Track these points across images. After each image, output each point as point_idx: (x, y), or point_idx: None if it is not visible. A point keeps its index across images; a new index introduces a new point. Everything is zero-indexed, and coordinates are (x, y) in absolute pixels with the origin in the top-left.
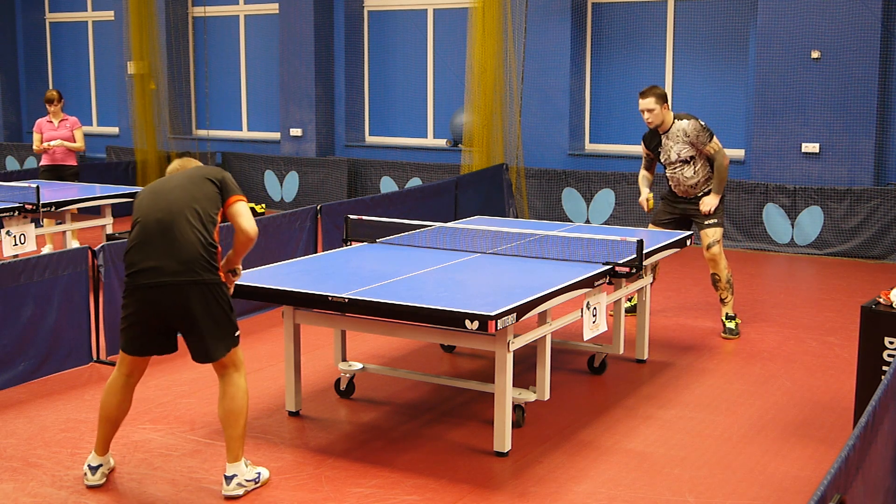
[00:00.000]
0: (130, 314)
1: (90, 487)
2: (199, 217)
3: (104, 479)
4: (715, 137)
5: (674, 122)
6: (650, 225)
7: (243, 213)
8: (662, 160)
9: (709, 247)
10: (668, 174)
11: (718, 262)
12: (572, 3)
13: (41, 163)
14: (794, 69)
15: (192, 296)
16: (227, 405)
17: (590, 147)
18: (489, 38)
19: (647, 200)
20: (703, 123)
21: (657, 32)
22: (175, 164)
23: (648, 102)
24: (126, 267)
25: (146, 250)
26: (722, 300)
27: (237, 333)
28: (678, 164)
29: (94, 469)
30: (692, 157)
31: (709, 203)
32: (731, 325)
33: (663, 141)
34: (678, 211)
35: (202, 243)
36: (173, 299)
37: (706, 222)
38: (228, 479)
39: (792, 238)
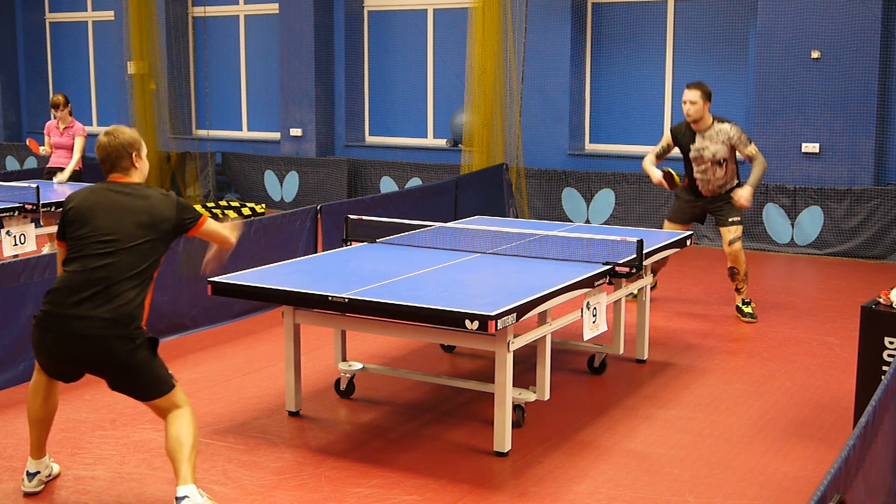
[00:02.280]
0: (41, 347)
1: (26, 494)
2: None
3: (41, 487)
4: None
5: (713, 124)
6: (666, 223)
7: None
8: (692, 157)
9: (731, 242)
10: (696, 174)
11: (739, 257)
12: (572, 3)
13: (47, 164)
14: (794, 69)
15: (119, 352)
16: (179, 437)
17: (590, 147)
18: (489, 38)
19: (664, 177)
20: (740, 128)
21: (657, 32)
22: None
23: (694, 95)
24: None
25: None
26: (738, 290)
27: (169, 377)
28: (711, 165)
29: (31, 476)
30: (725, 160)
31: (746, 197)
32: (748, 309)
33: (698, 139)
34: (698, 209)
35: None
36: (97, 352)
37: (731, 219)
38: (179, 500)
39: (792, 238)
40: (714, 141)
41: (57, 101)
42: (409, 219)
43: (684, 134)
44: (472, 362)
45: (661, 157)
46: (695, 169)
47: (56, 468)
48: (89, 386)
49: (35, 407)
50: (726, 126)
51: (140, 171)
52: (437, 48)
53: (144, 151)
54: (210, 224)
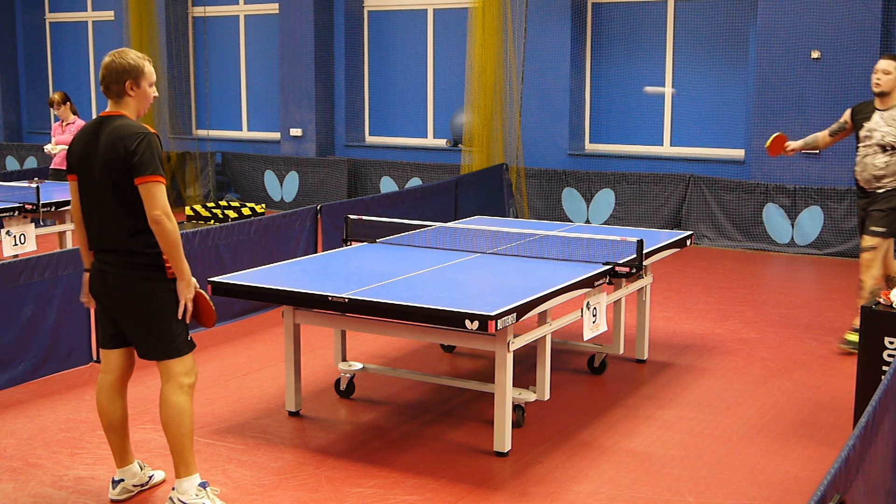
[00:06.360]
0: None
1: (112, 501)
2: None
3: (126, 495)
4: None
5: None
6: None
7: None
8: (861, 135)
9: (863, 250)
10: (858, 154)
11: (868, 269)
12: (572, 3)
13: (51, 164)
14: (794, 69)
15: (124, 285)
16: (161, 415)
17: (590, 147)
18: (489, 38)
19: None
20: None
21: (657, 32)
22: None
23: (888, 65)
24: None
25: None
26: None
27: (178, 342)
28: (874, 148)
29: (114, 483)
30: (893, 148)
31: None
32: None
33: (875, 117)
34: (862, 213)
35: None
36: (113, 285)
37: (871, 228)
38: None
39: (792, 238)
40: (890, 123)
41: (52, 99)
42: (409, 219)
43: (863, 111)
44: (472, 362)
45: (836, 136)
46: (860, 149)
47: (158, 476)
48: (89, 386)
49: (101, 406)
50: None
51: (135, 102)
52: (437, 48)
53: (147, 80)
54: (155, 189)
